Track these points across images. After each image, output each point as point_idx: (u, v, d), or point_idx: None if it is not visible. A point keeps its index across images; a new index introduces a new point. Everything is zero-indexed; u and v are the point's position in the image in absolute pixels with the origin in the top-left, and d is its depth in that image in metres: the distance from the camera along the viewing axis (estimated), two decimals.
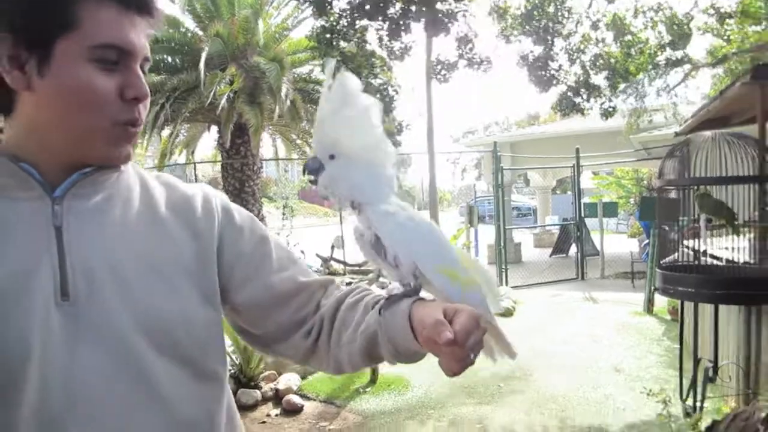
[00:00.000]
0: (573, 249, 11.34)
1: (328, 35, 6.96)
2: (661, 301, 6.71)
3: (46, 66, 0.72)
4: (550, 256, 13.11)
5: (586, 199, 13.07)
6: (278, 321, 0.89)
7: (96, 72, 0.73)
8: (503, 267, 9.56)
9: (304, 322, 0.90)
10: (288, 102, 9.44)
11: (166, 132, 11.20)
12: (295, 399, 4.26)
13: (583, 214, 10.96)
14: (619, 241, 14.22)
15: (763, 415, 1.92)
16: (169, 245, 0.81)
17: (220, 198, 0.92)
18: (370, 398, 4.40)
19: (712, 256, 3.84)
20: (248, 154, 11.26)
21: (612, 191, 15.77)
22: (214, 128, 11.68)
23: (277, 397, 4.36)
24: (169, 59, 10.81)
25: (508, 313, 7.05)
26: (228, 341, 4.66)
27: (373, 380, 4.69)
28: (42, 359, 0.69)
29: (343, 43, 7.02)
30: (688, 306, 4.47)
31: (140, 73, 0.77)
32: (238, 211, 0.92)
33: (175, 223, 0.83)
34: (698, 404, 3.43)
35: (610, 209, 11.56)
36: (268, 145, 14.21)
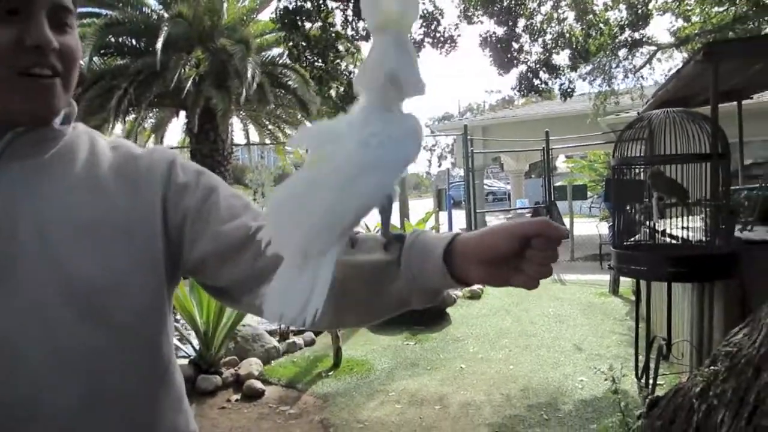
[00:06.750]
0: None
1: (292, 16, 6.79)
2: (627, 282, 6.79)
3: None
4: None
5: (558, 183, 13.14)
6: (236, 270, 0.82)
7: None
8: None
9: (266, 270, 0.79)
10: (255, 85, 9.26)
11: (131, 117, 10.94)
12: (256, 384, 4.22)
13: (553, 197, 11.02)
14: (591, 224, 14.34)
15: (698, 390, 1.92)
16: (106, 208, 0.78)
17: (166, 159, 0.86)
18: (331, 382, 4.37)
19: (670, 236, 3.87)
20: (217, 139, 11.07)
21: (585, 174, 15.87)
22: (183, 113, 11.45)
23: (238, 383, 4.32)
24: (133, 42, 10.52)
25: (475, 296, 7.09)
26: (191, 329, 4.61)
27: (336, 364, 4.66)
28: None
29: (308, 24, 6.84)
30: (645, 285, 4.52)
31: (42, 20, 0.73)
32: (183, 169, 0.86)
33: (116, 185, 0.80)
34: (651, 382, 3.46)
35: (579, 192, 11.66)
36: (241, 130, 14.01)
